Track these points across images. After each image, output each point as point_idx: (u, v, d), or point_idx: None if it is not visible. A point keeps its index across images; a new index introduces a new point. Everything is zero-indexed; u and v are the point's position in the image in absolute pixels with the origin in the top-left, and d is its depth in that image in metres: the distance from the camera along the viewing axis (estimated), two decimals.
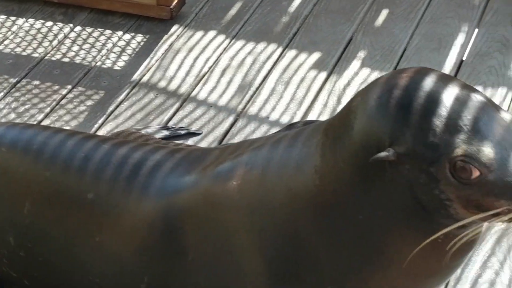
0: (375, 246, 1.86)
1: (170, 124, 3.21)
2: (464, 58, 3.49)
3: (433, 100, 1.73)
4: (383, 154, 1.72)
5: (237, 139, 3.13)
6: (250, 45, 3.63)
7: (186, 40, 3.69)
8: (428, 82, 1.76)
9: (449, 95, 1.74)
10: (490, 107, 1.75)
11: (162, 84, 3.44)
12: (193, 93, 3.38)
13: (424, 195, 1.76)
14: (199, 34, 3.72)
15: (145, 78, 3.47)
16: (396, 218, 1.81)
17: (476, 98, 1.75)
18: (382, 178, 1.78)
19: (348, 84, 3.38)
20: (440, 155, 1.70)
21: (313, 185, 1.87)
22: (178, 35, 3.72)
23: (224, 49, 3.63)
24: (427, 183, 1.74)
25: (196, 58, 3.58)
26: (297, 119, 3.21)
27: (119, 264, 2.16)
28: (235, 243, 1.99)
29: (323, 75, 3.44)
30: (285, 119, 3.22)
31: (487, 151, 1.68)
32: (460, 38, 3.59)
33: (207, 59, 3.57)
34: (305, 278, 1.93)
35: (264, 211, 1.95)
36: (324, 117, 3.21)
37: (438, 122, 1.70)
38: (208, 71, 3.51)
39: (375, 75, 3.41)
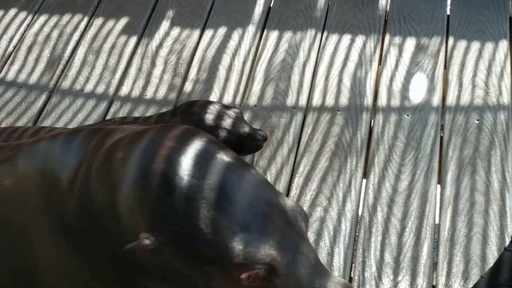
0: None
1: None
2: (271, 5, 3.52)
3: (204, 187, 1.55)
4: (142, 242, 1.54)
5: (53, 117, 3.03)
6: (55, 18, 3.50)
7: None
8: (197, 163, 1.58)
9: (223, 180, 1.56)
10: (271, 197, 1.61)
11: None
12: (1, 75, 3.23)
13: (185, 284, 1.63)
14: (0, 13, 3.55)
15: None
16: None
17: (253, 183, 1.60)
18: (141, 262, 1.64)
19: (161, 45, 3.33)
20: (219, 256, 1.55)
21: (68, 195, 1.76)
22: None
23: (28, 25, 3.48)
24: (194, 276, 1.60)
25: None
26: (112, 88, 3.14)
27: None
28: (21, 244, 1.89)
29: (134, 39, 3.37)
30: (100, 89, 3.14)
31: (276, 255, 1.56)
32: None
33: (11, 38, 3.42)
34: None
35: (40, 212, 1.83)
36: (140, 82, 3.15)
37: (213, 217, 1.54)
38: (13, 50, 3.36)
39: (186, 32, 3.37)
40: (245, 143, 2.53)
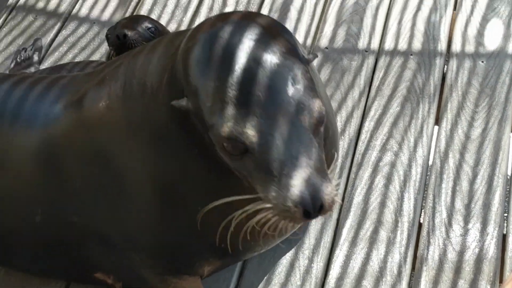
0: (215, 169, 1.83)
1: (54, 45, 3.10)
2: None
3: (221, 63, 1.64)
4: (178, 102, 1.70)
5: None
6: None
7: None
8: (227, 42, 1.65)
9: (239, 59, 1.63)
10: (280, 76, 1.63)
11: (40, 5, 3.30)
12: (74, 11, 3.27)
13: (216, 154, 1.73)
14: None
15: (21, 1, 3.33)
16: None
17: (268, 65, 1.63)
18: (186, 122, 1.74)
19: None
20: (211, 124, 1.65)
21: (165, 114, 1.82)
22: None
23: None
24: (211, 144, 1.71)
25: None
26: (183, 26, 3.15)
27: (11, 198, 2.13)
28: (115, 163, 1.96)
29: None
30: (172, 27, 3.15)
31: (251, 134, 1.61)
32: None
33: None
34: (184, 197, 1.92)
35: (131, 129, 1.91)
36: None
37: (214, 89, 1.63)
38: None
39: None
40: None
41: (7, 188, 2.13)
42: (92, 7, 3.27)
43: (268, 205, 1.63)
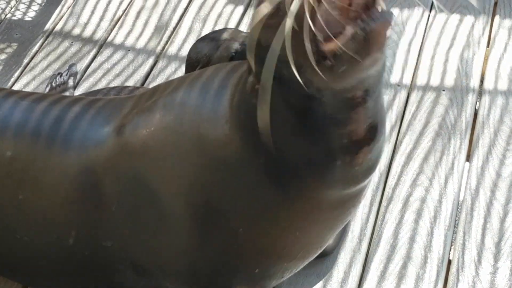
0: (273, 184, 1.85)
1: (89, 71, 3.14)
2: None
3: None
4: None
5: (159, 81, 3.08)
6: None
7: None
8: None
9: None
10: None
11: (77, 31, 3.35)
12: (109, 38, 3.31)
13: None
14: None
15: (58, 27, 3.37)
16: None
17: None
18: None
19: None
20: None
21: (223, 135, 1.86)
22: None
23: None
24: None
25: (109, 1, 3.49)
26: None
27: (45, 219, 2.13)
28: (154, 189, 1.97)
29: (240, 9, 3.40)
30: None
31: None
32: None
33: (121, 2, 3.48)
34: (227, 220, 1.93)
35: (177, 157, 1.93)
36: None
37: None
38: (122, 14, 3.42)
39: None
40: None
41: (41, 209, 2.13)
42: (128, 35, 3.31)
43: None
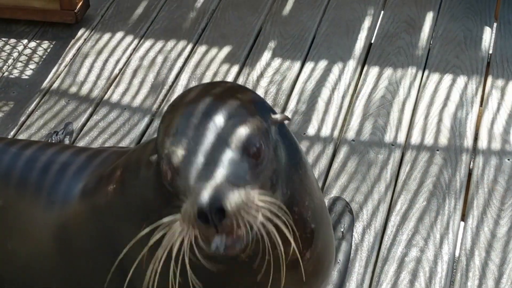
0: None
1: (85, 129, 3.16)
2: (372, 41, 3.54)
3: (171, 115, 1.69)
4: (151, 157, 1.75)
5: None
6: (160, 44, 3.60)
7: (93, 43, 3.63)
8: (186, 101, 1.71)
9: (184, 110, 1.68)
10: (202, 108, 1.68)
11: (73, 89, 3.37)
12: (106, 97, 3.33)
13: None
14: (107, 36, 3.67)
15: (55, 85, 3.40)
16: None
17: (202, 104, 1.69)
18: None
19: (262, 75, 3.38)
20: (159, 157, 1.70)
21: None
22: (85, 39, 3.65)
23: (134, 49, 3.58)
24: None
25: (106, 60, 3.53)
26: None
27: (29, 271, 2.16)
28: (119, 242, 1.94)
29: (236, 68, 3.43)
30: None
31: (177, 153, 1.62)
32: (367, 22, 3.64)
33: (117, 61, 3.52)
34: None
35: (129, 217, 1.96)
36: None
37: (163, 132, 1.68)
38: (119, 73, 3.46)
39: (287, 64, 3.42)
40: None
41: (27, 257, 2.16)
42: (124, 93, 3.34)
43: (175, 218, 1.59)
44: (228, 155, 1.62)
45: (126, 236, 1.90)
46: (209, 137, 1.64)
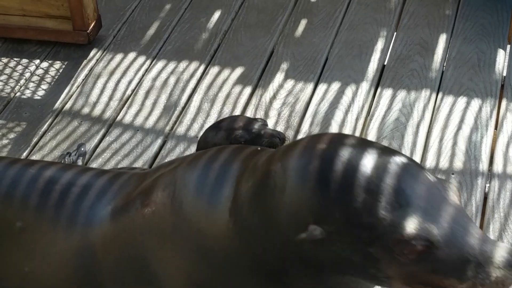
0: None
1: (98, 150, 3.15)
2: (385, 63, 3.53)
3: (361, 174, 1.65)
4: (310, 233, 1.66)
5: None
6: (172, 64, 3.59)
7: (106, 63, 3.62)
8: (353, 153, 1.68)
9: (377, 166, 1.65)
10: (420, 172, 1.68)
11: (86, 110, 3.36)
12: (118, 118, 3.32)
13: (358, 273, 1.72)
14: (119, 56, 3.66)
15: (67, 106, 3.39)
16: None
17: (403, 164, 1.66)
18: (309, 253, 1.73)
19: (274, 97, 3.37)
20: (379, 235, 1.62)
21: (224, 232, 1.84)
22: (97, 59, 3.65)
23: (146, 70, 3.58)
24: (363, 262, 1.68)
25: (118, 81, 3.52)
26: None
27: None
28: (154, 270, 1.95)
29: (248, 89, 3.43)
30: None
31: (431, 228, 1.60)
32: (380, 43, 3.63)
33: (130, 82, 3.51)
34: None
35: (177, 240, 1.91)
36: None
37: (370, 199, 1.62)
38: (131, 94, 3.45)
39: (300, 86, 3.41)
40: (261, 141, 2.57)
41: (44, 281, 2.11)
42: (137, 114, 3.33)
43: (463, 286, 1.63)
44: (461, 212, 1.67)
45: (163, 259, 1.91)
46: (437, 199, 1.65)
